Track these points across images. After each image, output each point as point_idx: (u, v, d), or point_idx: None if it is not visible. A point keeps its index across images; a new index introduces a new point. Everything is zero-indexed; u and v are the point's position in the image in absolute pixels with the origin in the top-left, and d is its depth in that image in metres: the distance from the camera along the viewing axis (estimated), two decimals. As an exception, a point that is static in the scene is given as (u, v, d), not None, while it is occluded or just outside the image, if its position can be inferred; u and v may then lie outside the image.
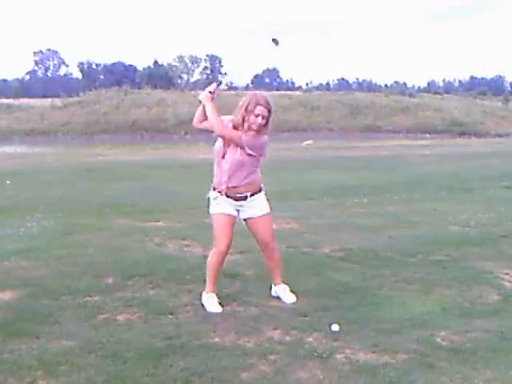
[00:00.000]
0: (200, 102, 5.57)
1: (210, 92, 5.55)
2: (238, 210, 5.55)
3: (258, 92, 5.50)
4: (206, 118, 5.52)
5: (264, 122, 5.29)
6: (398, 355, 4.49)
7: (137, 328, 5.02)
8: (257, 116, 5.25)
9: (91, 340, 4.72)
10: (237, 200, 5.47)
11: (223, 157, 5.42)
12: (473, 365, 4.33)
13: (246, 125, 5.30)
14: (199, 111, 5.62)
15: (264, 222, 5.63)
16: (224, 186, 5.43)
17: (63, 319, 5.21)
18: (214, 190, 5.55)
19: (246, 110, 5.27)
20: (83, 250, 7.63)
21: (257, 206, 5.57)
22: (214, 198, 5.54)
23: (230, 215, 5.53)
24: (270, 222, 5.70)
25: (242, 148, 5.32)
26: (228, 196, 5.46)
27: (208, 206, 5.66)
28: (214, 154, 5.51)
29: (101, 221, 9.64)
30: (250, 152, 5.33)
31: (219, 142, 5.46)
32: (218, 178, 5.48)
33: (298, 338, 4.82)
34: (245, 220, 5.64)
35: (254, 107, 5.25)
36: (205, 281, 5.68)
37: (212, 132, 5.44)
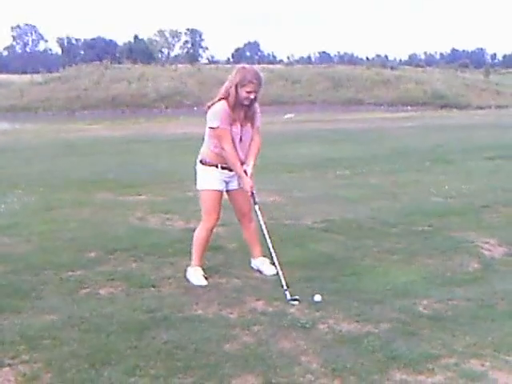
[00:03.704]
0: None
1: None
2: (226, 182, 5.56)
3: (247, 66, 5.43)
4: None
5: (255, 95, 5.29)
6: (380, 324, 4.53)
7: (119, 301, 5.02)
8: (249, 92, 5.24)
9: (74, 314, 4.72)
10: (231, 170, 5.47)
11: (241, 140, 5.43)
12: (453, 332, 4.39)
13: (236, 99, 5.27)
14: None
15: (246, 192, 5.63)
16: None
17: (45, 294, 5.20)
18: (204, 164, 5.52)
19: (236, 85, 5.23)
20: (65, 225, 7.59)
21: None
22: (206, 173, 5.52)
23: (220, 190, 5.54)
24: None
25: (253, 125, 5.46)
26: (223, 168, 5.46)
27: (195, 181, 5.64)
28: (223, 136, 5.33)
29: (82, 196, 9.58)
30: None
31: (232, 127, 5.36)
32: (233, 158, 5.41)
33: (281, 309, 4.84)
34: (227, 191, 5.65)
35: (246, 84, 5.21)
36: (187, 254, 5.69)
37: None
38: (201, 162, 5.56)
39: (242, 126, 5.39)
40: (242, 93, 5.22)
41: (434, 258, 6.25)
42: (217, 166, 5.46)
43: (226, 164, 5.44)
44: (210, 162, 5.49)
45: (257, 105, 5.44)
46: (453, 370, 3.83)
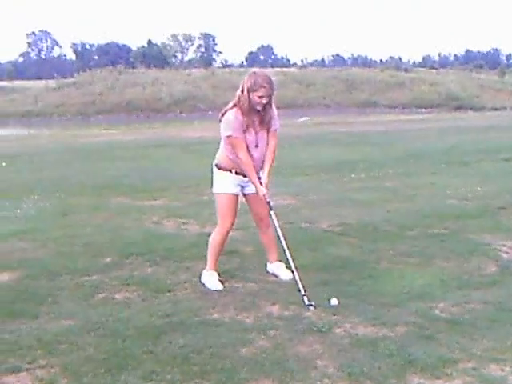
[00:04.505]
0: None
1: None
2: (242, 186, 5.55)
3: (258, 71, 5.42)
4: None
5: (267, 100, 5.26)
6: (397, 328, 4.50)
7: (135, 306, 5.02)
8: (260, 97, 5.20)
9: (90, 319, 4.73)
10: (246, 176, 5.45)
11: (257, 146, 5.40)
12: (471, 335, 4.35)
13: (249, 105, 5.24)
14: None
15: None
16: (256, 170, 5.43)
17: (62, 299, 5.21)
18: (220, 168, 5.53)
19: (248, 91, 5.20)
20: (81, 230, 7.62)
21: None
22: (222, 178, 5.52)
23: (235, 194, 5.54)
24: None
25: (268, 130, 5.42)
26: (238, 173, 5.45)
27: (211, 184, 5.64)
28: (236, 144, 5.31)
29: (98, 201, 9.61)
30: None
31: (248, 135, 5.33)
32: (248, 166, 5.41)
33: (297, 313, 4.82)
34: (245, 195, 5.65)
35: (258, 89, 5.18)
36: (202, 258, 5.69)
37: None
38: (216, 166, 5.56)
39: (256, 132, 5.35)
40: (254, 98, 5.19)
41: (451, 260, 6.21)
42: (231, 171, 5.46)
43: (240, 169, 5.44)
44: (224, 166, 5.48)
45: (274, 108, 5.41)
46: (471, 375, 3.79)
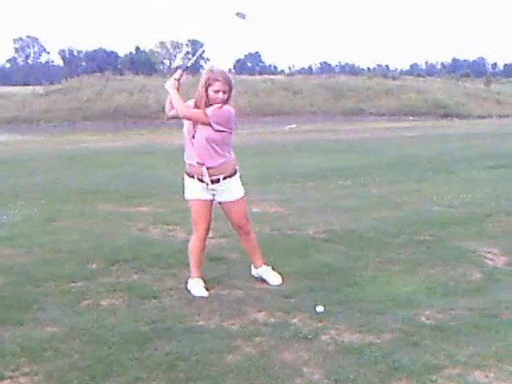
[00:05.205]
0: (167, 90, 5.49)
1: (176, 79, 5.45)
2: (213, 194, 5.53)
3: (214, 68, 5.47)
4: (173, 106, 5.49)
5: (226, 96, 5.24)
6: (382, 335, 4.50)
7: (121, 313, 5.00)
8: (217, 92, 5.21)
9: (75, 326, 4.70)
10: (211, 183, 5.43)
11: (193, 137, 5.37)
12: (456, 342, 4.36)
13: (207, 103, 5.25)
14: (168, 100, 5.56)
15: (238, 205, 5.60)
16: (195, 164, 5.40)
17: (47, 306, 5.17)
18: (188, 175, 5.55)
19: (205, 88, 5.23)
20: (66, 236, 7.58)
21: (231, 190, 5.53)
22: (189, 184, 5.56)
23: (205, 200, 5.52)
24: (243, 205, 5.68)
25: (210, 125, 5.25)
26: (200, 180, 5.44)
27: (183, 191, 5.66)
28: (184, 136, 5.47)
29: (84, 207, 9.57)
30: (218, 127, 5.26)
31: (188, 124, 5.40)
32: (191, 161, 5.45)
33: (283, 320, 4.82)
34: (219, 203, 5.62)
35: (213, 83, 5.20)
36: (188, 264, 5.68)
37: (180, 118, 5.41)
38: (186, 172, 5.58)
39: (194, 124, 5.34)
40: (211, 94, 5.22)
41: (437, 267, 6.23)
42: (193, 177, 5.48)
43: (201, 176, 5.41)
44: (189, 172, 5.53)
45: (229, 107, 5.30)
46: (456, 381, 3.80)
